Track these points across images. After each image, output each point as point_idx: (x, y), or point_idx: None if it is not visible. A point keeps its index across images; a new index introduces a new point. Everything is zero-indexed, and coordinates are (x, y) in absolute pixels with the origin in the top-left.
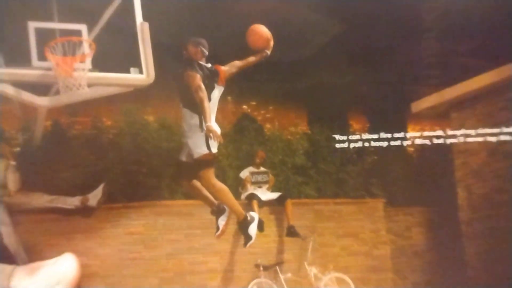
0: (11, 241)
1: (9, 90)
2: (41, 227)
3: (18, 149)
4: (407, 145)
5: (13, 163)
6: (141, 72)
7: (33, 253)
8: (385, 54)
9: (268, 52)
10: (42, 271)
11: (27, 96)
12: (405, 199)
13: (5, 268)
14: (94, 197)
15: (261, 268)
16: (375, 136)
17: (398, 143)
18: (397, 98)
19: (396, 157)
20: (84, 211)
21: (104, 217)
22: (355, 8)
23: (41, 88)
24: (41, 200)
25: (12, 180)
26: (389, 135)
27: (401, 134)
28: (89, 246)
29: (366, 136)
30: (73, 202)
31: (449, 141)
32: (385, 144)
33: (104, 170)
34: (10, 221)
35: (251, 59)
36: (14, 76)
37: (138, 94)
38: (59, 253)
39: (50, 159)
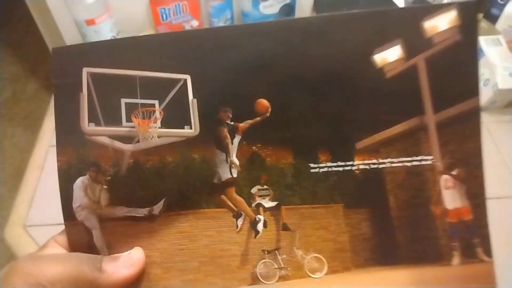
0: (98, 240)
1: (106, 140)
2: (120, 230)
3: (109, 177)
4: (355, 169)
5: (105, 187)
6: (191, 128)
7: (112, 249)
8: (339, 114)
9: (268, 114)
10: (121, 258)
11: (118, 144)
12: (356, 204)
13: (97, 256)
14: (157, 208)
15: (266, 252)
16: (335, 164)
17: (349, 168)
18: (347, 140)
19: (349, 177)
20: (150, 218)
21: (163, 222)
22: (319, 89)
23: (127, 139)
24: (122, 211)
25: (104, 198)
26: (343, 163)
27: (351, 162)
28: (151, 242)
29: (329, 164)
30: (143, 211)
31: (381, 166)
32: (341, 169)
33: (165, 190)
34: (99, 226)
35: (258, 119)
36: (110, 132)
37: (189, 141)
38: (131, 247)
39: (130, 184)
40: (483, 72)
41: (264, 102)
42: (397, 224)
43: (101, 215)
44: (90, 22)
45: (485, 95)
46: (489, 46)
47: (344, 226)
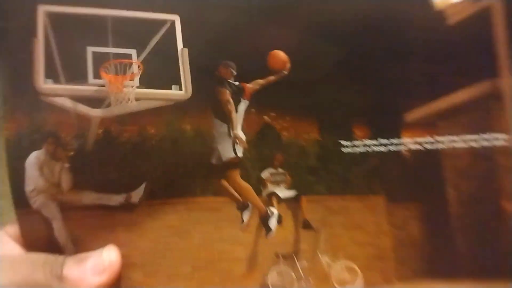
0: (61, 234)
1: (68, 103)
2: (88, 222)
3: (72, 153)
4: (403, 149)
5: (67, 165)
6: (180, 88)
7: (80, 245)
8: (381, 75)
9: (285, 72)
10: (89, 261)
11: (83, 108)
12: (402, 196)
13: (58, 258)
14: (137, 194)
15: (280, 257)
16: (375, 142)
17: (394, 148)
18: (392, 110)
19: (393, 160)
20: (127, 207)
21: (144, 212)
22: (354, 39)
23: (95, 101)
24: (90, 198)
25: (65, 180)
26: (386, 141)
27: (396, 140)
28: (130, 238)
29: (367, 142)
30: (117, 199)
31: (437, 145)
32: (383, 148)
33: (147, 171)
34: (61, 216)
35: (271, 78)
36: (72, 91)
37: (178, 107)
38: (103, 245)
39: (100, 162)
40: None
41: (280, 55)
42: (458, 225)
43: (63, 201)
44: None
45: None
46: None
47: (386, 226)
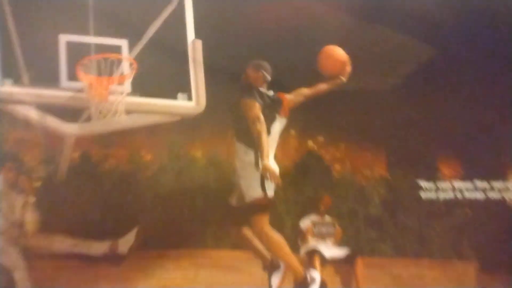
0: None
1: (33, 114)
2: (61, 275)
3: (39, 183)
4: (509, 198)
5: (32, 199)
6: (190, 98)
7: None
8: (484, 88)
9: (344, 79)
10: None
11: (53, 122)
12: (504, 266)
13: None
14: (126, 243)
15: None
16: (469, 185)
17: (497, 194)
18: (498, 139)
19: (494, 212)
20: (113, 259)
21: (136, 267)
22: (451, 32)
23: (70, 113)
24: (63, 244)
25: (31, 220)
26: (486, 185)
27: (501, 184)
28: None
29: (458, 184)
30: (100, 248)
31: None
32: (481, 195)
33: (140, 212)
34: (25, 266)
35: (323, 86)
36: (39, 97)
37: (185, 124)
38: None
39: (77, 197)
40: None
41: (337, 53)
42: None
43: (28, 247)
44: None
45: None
46: None
47: None
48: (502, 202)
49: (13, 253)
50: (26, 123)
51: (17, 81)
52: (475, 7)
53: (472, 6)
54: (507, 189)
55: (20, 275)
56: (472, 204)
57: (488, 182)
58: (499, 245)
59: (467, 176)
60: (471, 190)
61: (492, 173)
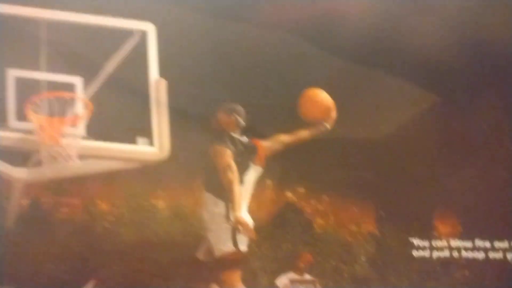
0: None
1: None
2: None
3: None
4: None
5: None
6: (151, 143)
7: None
8: (486, 138)
9: (328, 126)
10: None
11: (0, 166)
12: None
13: None
14: None
15: None
16: (468, 244)
17: (500, 255)
18: (501, 196)
19: (497, 275)
20: None
21: None
22: (451, 78)
23: (18, 156)
24: None
25: None
26: (488, 244)
27: (505, 243)
28: None
29: (455, 243)
30: None
31: None
32: (481, 255)
33: (97, 266)
34: None
35: (304, 133)
36: None
37: (146, 171)
38: None
39: (26, 247)
40: None
41: (320, 97)
42: None
43: None
44: None
45: None
46: None
47: None
48: (504, 264)
49: None
50: None
51: None
52: (480, 53)
53: (477, 51)
54: (511, 249)
55: None
56: (470, 264)
57: (490, 241)
58: None
59: (467, 234)
60: (470, 249)
61: (495, 232)
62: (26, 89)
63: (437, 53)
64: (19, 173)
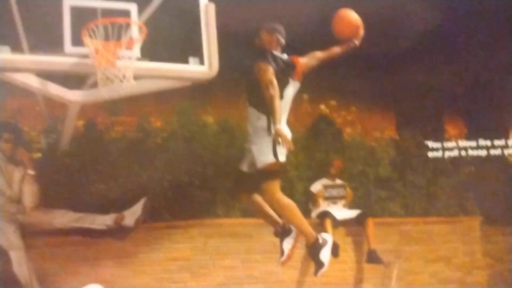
0: (22, 269)
1: (33, 81)
2: (62, 252)
3: (39, 155)
4: (510, 154)
5: (31, 172)
6: (202, 63)
7: (50, 285)
8: (488, 51)
9: (357, 42)
10: None
11: (56, 90)
12: (505, 218)
13: None
14: (132, 214)
15: None
16: (473, 144)
17: (499, 152)
18: (499, 100)
19: (496, 169)
20: (118, 232)
21: (143, 240)
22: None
23: (74, 80)
24: (65, 218)
25: (29, 194)
26: (488, 143)
27: (502, 142)
28: (121, 274)
29: (463, 143)
30: (104, 221)
31: None
32: (484, 153)
33: (148, 181)
34: (22, 244)
35: (336, 50)
36: (40, 64)
37: (197, 90)
38: (83, 283)
39: (80, 168)
40: None
41: (350, 16)
42: None
43: (26, 224)
44: None
45: None
46: None
47: (482, 257)
48: (503, 159)
49: (9, 231)
50: (26, 92)
51: (16, 47)
52: None
53: None
54: (507, 146)
55: (17, 254)
56: (475, 161)
57: (491, 141)
58: (500, 198)
59: (472, 135)
60: (475, 148)
61: (494, 132)
62: (82, 16)
63: None
64: (74, 96)
